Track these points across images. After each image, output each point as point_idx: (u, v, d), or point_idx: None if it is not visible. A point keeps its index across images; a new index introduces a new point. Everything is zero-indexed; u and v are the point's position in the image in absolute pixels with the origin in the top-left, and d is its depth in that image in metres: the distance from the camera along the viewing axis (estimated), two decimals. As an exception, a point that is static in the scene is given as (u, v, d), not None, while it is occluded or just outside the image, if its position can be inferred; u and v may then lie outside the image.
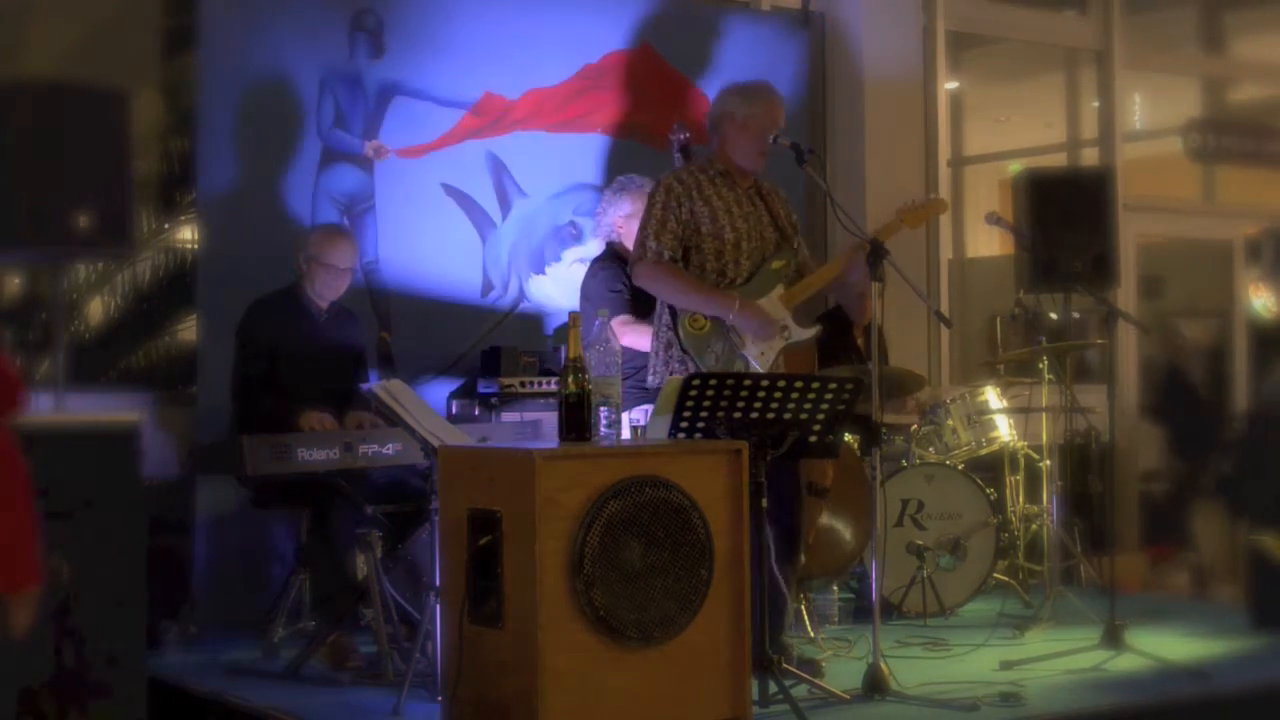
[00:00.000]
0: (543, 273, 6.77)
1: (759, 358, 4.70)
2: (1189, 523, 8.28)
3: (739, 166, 4.89)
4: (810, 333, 4.86)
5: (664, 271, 4.76)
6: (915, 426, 6.44)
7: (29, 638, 2.79)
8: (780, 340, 4.76)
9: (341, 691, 4.76)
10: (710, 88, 6.85)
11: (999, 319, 7.08)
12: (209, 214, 6.02)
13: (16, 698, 3.90)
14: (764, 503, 4.25)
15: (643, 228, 4.83)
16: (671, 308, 4.78)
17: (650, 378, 4.86)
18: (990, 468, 6.69)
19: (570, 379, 3.89)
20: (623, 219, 5.59)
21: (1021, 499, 6.60)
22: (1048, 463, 6.46)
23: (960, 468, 6.24)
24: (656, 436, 4.29)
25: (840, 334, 6.21)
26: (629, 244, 5.48)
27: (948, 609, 6.01)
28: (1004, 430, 6.47)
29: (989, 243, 9.13)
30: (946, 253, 8.24)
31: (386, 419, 4.67)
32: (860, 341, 5.94)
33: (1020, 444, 6.56)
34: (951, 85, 8.56)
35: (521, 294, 6.73)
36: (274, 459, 4.87)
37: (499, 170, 6.68)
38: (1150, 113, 9.89)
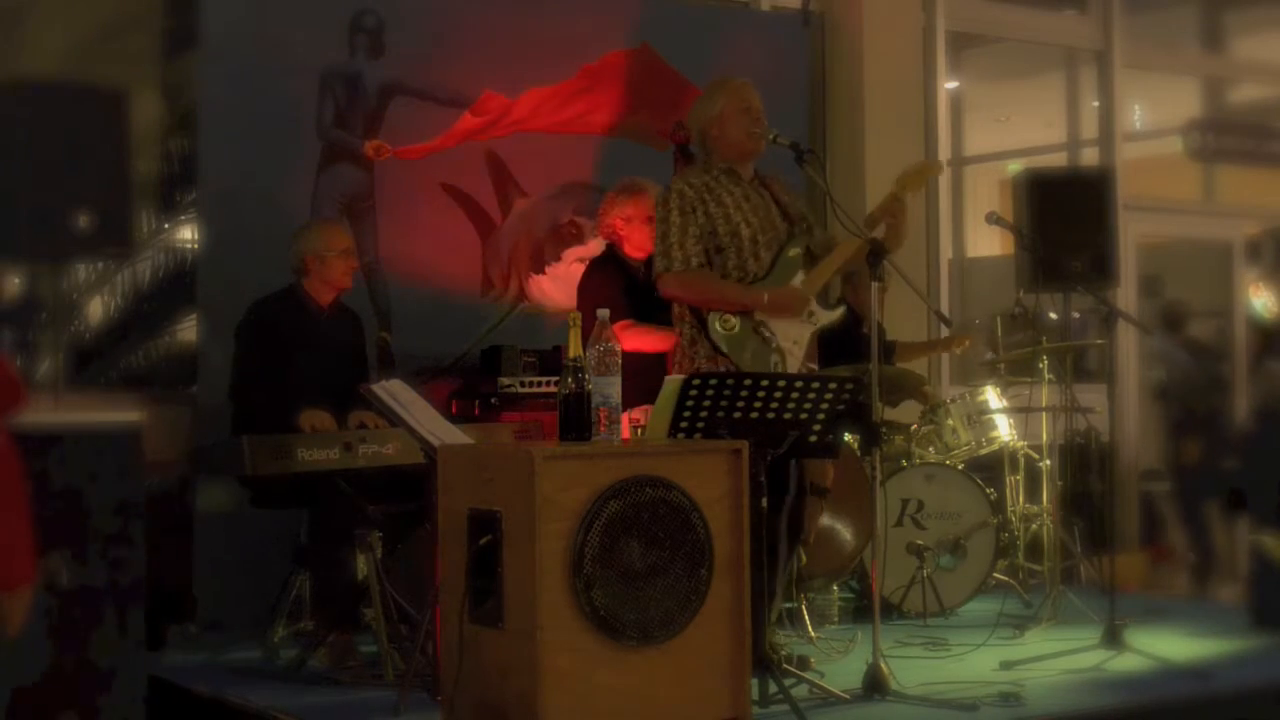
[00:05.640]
0: (543, 273, 6.77)
1: (791, 349, 4.73)
2: (1200, 517, 8.30)
3: (739, 159, 4.89)
4: (836, 314, 4.89)
5: (697, 278, 4.77)
6: (915, 426, 6.44)
7: (26, 637, 2.79)
8: (809, 326, 4.79)
9: (341, 691, 4.76)
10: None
11: (999, 319, 7.08)
12: (209, 214, 6.03)
13: (11, 696, 3.90)
14: (764, 503, 4.25)
15: (663, 238, 4.82)
16: (696, 309, 4.80)
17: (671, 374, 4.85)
18: (990, 468, 6.69)
19: (570, 379, 3.89)
20: (624, 221, 5.57)
21: (1021, 499, 6.60)
22: (1048, 463, 6.45)
23: (960, 468, 6.24)
24: (656, 436, 4.29)
25: (846, 332, 6.20)
26: (629, 246, 5.48)
27: (948, 609, 6.01)
28: (1004, 430, 6.46)
29: (989, 243, 9.13)
30: (946, 253, 8.24)
31: (386, 419, 4.67)
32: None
33: (1020, 444, 6.56)
34: (951, 85, 8.56)
35: (521, 294, 6.73)
36: (274, 459, 4.87)
37: (499, 170, 6.68)
38: (1150, 113, 9.89)
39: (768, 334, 4.73)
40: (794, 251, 4.86)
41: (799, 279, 4.83)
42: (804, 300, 4.79)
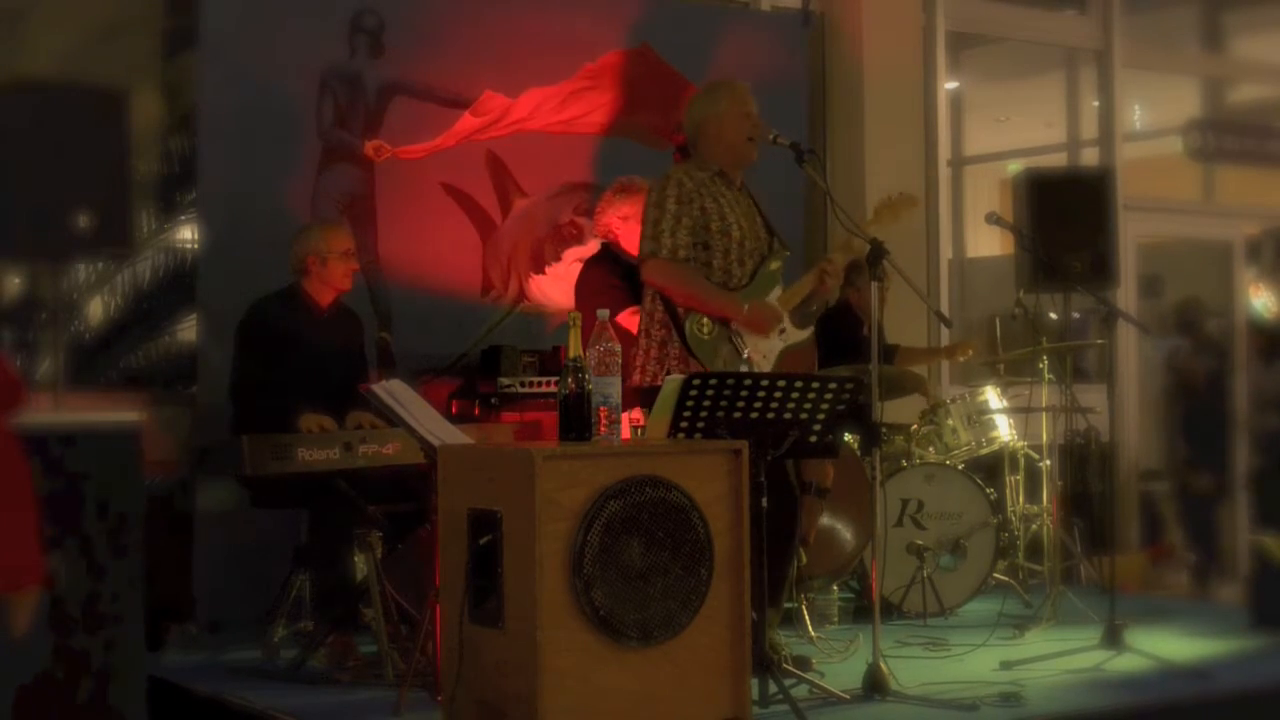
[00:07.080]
0: (543, 273, 6.77)
1: (760, 362, 4.70)
2: (1203, 516, 8.31)
3: (730, 163, 4.88)
4: (805, 334, 4.86)
5: (680, 271, 4.69)
6: (915, 426, 6.44)
7: (28, 637, 2.79)
8: (779, 343, 4.77)
9: (341, 691, 4.76)
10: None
11: (999, 319, 7.08)
12: (209, 214, 6.03)
13: (14, 696, 3.90)
14: (764, 503, 4.25)
15: (653, 223, 4.73)
16: (673, 308, 4.74)
17: (635, 375, 4.75)
18: (990, 468, 6.69)
19: (570, 379, 3.89)
20: (620, 220, 5.57)
21: (1021, 499, 6.60)
22: (1048, 463, 6.45)
23: (960, 468, 6.24)
24: (656, 436, 4.29)
25: (847, 332, 6.21)
26: (625, 245, 5.47)
27: (948, 609, 6.01)
28: (1004, 430, 6.47)
29: (989, 243, 9.14)
30: (946, 253, 8.24)
31: (386, 419, 4.67)
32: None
33: (1020, 444, 6.56)
34: (951, 85, 8.56)
35: (521, 294, 6.73)
36: (274, 459, 4.88)
37: (499, 170, 6.68)
38: (1150, 113, 9.89)
39: (739, 343, 4.71)
40: (775, 265, 4.84)
41: (777, 293, 4.80)
42: (779, 319, 4.75)
